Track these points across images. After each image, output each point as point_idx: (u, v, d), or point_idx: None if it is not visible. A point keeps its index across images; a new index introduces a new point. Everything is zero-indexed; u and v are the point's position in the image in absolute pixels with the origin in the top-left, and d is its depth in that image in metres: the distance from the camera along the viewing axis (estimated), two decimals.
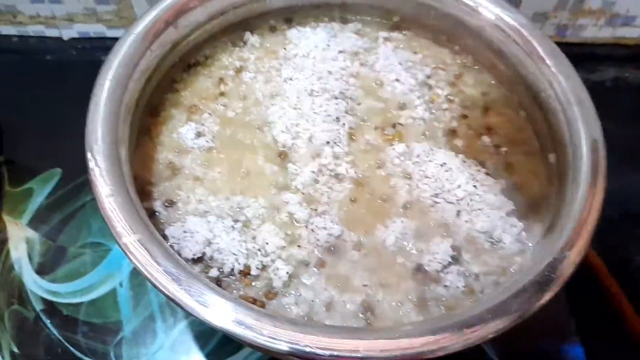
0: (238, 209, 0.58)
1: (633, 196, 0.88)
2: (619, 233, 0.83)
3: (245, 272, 0.55)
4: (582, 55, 1.08)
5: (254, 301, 0.53)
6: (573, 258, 0.48)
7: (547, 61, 0.61)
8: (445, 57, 0.73)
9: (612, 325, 0.73)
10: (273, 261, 0.55)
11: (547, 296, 0.46)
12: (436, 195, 0.59)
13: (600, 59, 1.06)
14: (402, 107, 0.67)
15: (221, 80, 0.69)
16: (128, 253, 0.46)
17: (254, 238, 0.57)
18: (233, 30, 0.73)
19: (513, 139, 0.66)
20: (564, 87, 0.60)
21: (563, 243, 0.49)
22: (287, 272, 0.54)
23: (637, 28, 1.04)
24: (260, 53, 0.72)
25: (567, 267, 0.47)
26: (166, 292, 0.45)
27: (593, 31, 1.05)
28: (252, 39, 0.73)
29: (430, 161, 0.61)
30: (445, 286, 0.54)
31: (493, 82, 0.70)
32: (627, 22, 1.03)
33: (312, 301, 0.53)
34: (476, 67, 0.72)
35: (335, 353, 0.42)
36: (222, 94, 0.68)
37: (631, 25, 1.04)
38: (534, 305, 0.46)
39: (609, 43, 1.07)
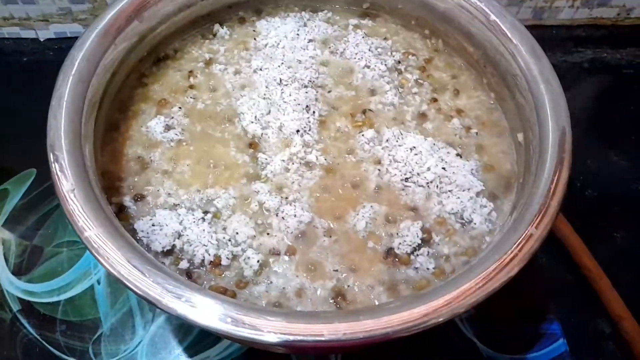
0: (208, 201, 0.58)
1: (612, 176, 0.88)
2: (599, 212, 0.83)
3: (216, 263, 0.54)
4: (559, 37, 1.07)
5: (225, 291, 0.52)
6: (539, 234, 0.47)
7: (515, 42, 0.61)
8: (416, 42, 0.73)
9: (590, 303, 0.73)
10: (244, 251, 0.55)
11: (513, 272, 0.45)
12: (406, 179, 0.59)
13: (577, 40, 1.05)
14: (372, 93, 0.67)
15: (191, 73, 0.68)
16: (90, 247, 0.46)
17: (224, 229, 0.56)
18: (202, 23, 0.73)
19: (484, 120, 0.65)
20: (531, 67, 0.59)
21: (529, 220, 0.49)
22: (258, 261, 0.54)
23: (614, 8, 1.04)
24: (229, 45, 0.72)
25: (533, 244, 0.47)
26: (129, 285, 0.44)
27: (569, 13, 1.04)
28: (222, 30, 0.72)
29: (399, 145, 0.61)
30: (416, 268, 0.54)
31: (462, 64, 0.70)
32: (604, 2, 1.02)
33: (283, 288, 0.53)
34: (446, 51, 0.71)
35: (300, 338, 0.42)
36: (191, 86, 0.67)
37: (607, 5, 1.03)
38: (500, 281, 0.45)
39: (586, 24, 1.07)
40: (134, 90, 0.66)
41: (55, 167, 0.49)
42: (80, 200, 0.48)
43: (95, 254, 0.45)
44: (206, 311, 0.43)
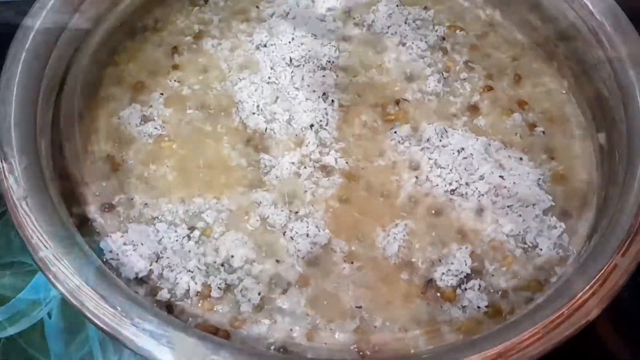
0: (195, 214, 0.58)
1: None
2: None
3: (205, 294, 0.54)
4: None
5: (216, 331, 0.52)
6: (626, 266, 0.47)
7: (598, 16, 0.61)
8: (465, 12, 0.73)
9: None
10: (240, 280, 0.55)
11: (592, 316, 0.45)
12: (452, 190, 0.59)
13: None
14: (409, 78, 0.67)
15: (175, 49, 0.69)
16: (46, 271, 0.46)
17: (215, 250, 0.56)
18: None
19: (553, 115, 0.65)
20: (618, 48, 0.59)
21: (614, 246, 0.49)
22: (259, 293, 0.54)
23: None
24: (225, 13, 0.73)
25: (619, 278, 0.47)
26: (95, 321, 0.45)
27: None
28: None
29: (444, 146, 0.61)
30: (463, 307, 0.54)
31: (526, 43, 0.69)
32: None
33: (291, 330, 0.53)
34: (505, 25, 0.71)
35: None
36: (175, 66, 0.68)
37: None
38: (574, 327, 0.45)
39: None
40: (102, 70, 0.67)
41: (3, 167, 0.50)
42: (34, 211, 0.48)
43: (53, 279, 0.46)
44: (189, 356, 0.44)
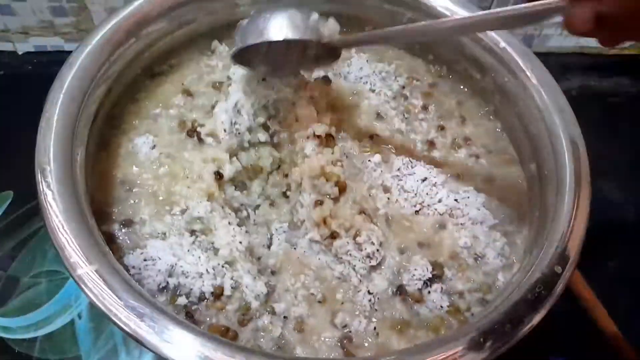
0: (192, 219, 0.54)
1: (603, 203, 0.87)
2: (592, 240, 0.82)
3: (217, 294, 0.50)
4: (548, 65, 1.07)
5: (227, 331, 0.48)
6: (565, 273, 0.45)
7: (526, 70, 0.59)
8: (419, 67, 0.71)
9: (593, 335, 0.71)
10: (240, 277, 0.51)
11: (540, 315, 0.43)
12: (416, 211, 0.56)
13: (566, 68, 1.06)
14: (379, 118, 0.64)
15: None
16: (84, 287, 0.41)
17: (214, 251, 0.52)
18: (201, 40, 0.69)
19: (491, 149, 0.63)
20: (543, 95, 0.58)
21: (552, 257, 0.46)
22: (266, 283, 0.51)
23: None
24: (227, 61, 0.68)
25: (559, 282, 0.44)
26: (128, 330, 0.40)
27: (558, 40, 1.05)
28: (220, 47, 0.69)
29: (410, 175, 0.58)
30: (429, 308, 0.51)
31: (468, 90, 0.68)
32: None
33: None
34: (451, 77, 0.69)
35: None
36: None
37: None
38: (527, 325, 0.42)
39: (574, 52, 1.08)
40: (125, 107, 0.62)
41: (46, 196, 0.44)
42: (72, 233, 0.43)
43: (90, 295, 0.41)
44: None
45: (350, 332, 0.49)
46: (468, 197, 0.57)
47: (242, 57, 0.53)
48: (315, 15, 0.52)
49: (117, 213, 0.54)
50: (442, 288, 0.52)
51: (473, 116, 0.66)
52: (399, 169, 0.59)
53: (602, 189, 0.89)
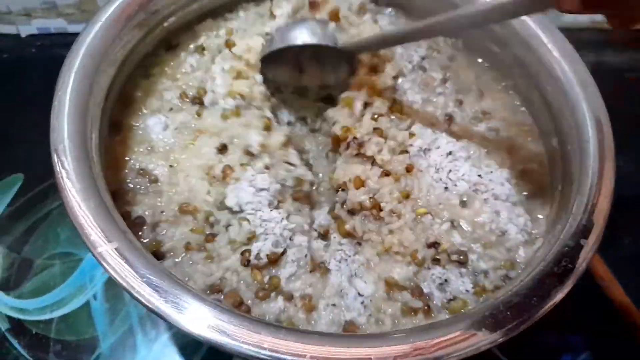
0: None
1: (619, 180, 0.87)
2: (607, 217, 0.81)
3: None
4: None
5: (240, 304, 0.48)
6: (590, 245, 0.45)
7: (547, 43, 0.58)
8: (438, 38, 0.69)
9: (609, 313, 0.71)
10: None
11: (566, 288, 0.43)
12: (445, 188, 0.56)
13: (580, 44, 1.04)
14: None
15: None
16: (105, 264, 0.41)
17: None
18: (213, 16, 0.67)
19: (511, 123, 0.62)
20: (565, 69, 0.57)
21: (576, 230, 0.46)
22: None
23: None
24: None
25: (586, 255, 0.44)
26: (150, 306, 0.40)
27: (572, 15, 1.03)
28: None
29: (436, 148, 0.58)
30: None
31: (487, 65, 0.67)
32: None
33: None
34: (468, 50, 0.68)
35: None
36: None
37: None
38: (553, 299, 0.42)
39: (589, 28, 1.06)
40: (138, 84, 0.61)
41: (62, 174, 0.44)
42: (91, 211, 0.43)
43: (111, 272, 0.41)
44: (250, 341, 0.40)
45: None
46: (491, 172, 0.56)
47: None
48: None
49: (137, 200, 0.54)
50: (462, 272, 0.51)
51: (491, 90, 0.65)
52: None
53: (618, 165, 0.88)
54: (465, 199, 0.55)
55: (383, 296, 0.49)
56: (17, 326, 0.63)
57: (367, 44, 0.58)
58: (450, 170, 0.56)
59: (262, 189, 0.53)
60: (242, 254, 0.50)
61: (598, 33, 1.06)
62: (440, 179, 0.55)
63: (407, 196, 0.54)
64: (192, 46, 0.64)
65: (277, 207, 0.53)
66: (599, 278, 0.74)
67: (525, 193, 0.57)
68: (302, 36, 0.58)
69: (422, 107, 0.62)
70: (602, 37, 1.06)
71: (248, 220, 0.51)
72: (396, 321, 0.48)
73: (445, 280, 0.50)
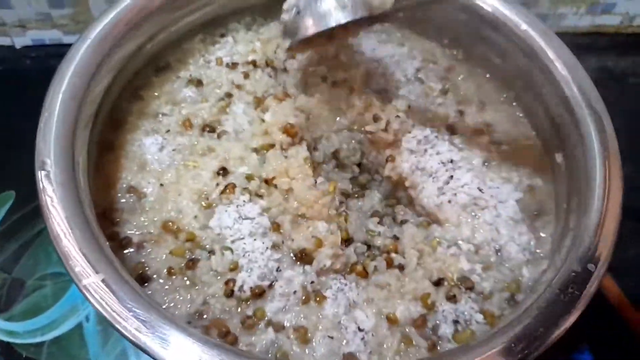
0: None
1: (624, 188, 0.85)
2: None
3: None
4: None
5: (227, 334, 0.46)
6: (598, 271, 0.42)
7: (549, 54, 0.56)
8: (434, 49, 0.67)
9: (619, 329, 0.69)
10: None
11: (573, 316, 0.41)
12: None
13: (581, 48, 1.02)
14: None
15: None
16: (90, 297, 0.39)
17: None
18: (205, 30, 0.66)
19: (513, 137, 0.60)
20: (570, 84, 0.55)
21: (583, 254, 0.44)
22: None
23: (617, 15, 1.01)
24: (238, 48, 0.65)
25: (593, 282, 0.42)
26: (137, 342, 0.38)
27: (573, 20, 1.01)
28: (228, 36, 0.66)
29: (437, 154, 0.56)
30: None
31: (486, 75, 0.64)
32: (607, 9, 0.99)
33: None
34: (467, 61, 0.66)
35: None
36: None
37: (611, 12, 1.00)
38: (560, 328, 0.40)
39: (590, 32, 1.04)
40: (130, 105, 0.60)
41: (47, 202, 0.42)
42: (77, 240, 0.41)
43: (95, 304, 0.39)
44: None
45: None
46: (494, 187, 0.54)
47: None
48: None
49: (125, 220, 0.52)
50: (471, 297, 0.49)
51: (493, 101, 0.63)
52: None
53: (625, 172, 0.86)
54: (463, 212, 0.53)
55: (385, 333, 0.47)
56: (7, 350, 0.61)
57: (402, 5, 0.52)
58: (451, 177, 0.54)
59: (246, 218, 0.51)
60: (226, 283, 0.48)
61: (600, 37, 1.04)
62: (440, 188, 0.53)
63: None
64: (182, 74, 0.63)
65: (262, 237, 0.51)
66: (605, 290, 0.72)
67: (527, 210, 0.54)
68: (336, 12, 0.50)
69: (423, 114, 0.60)
70: (604, 41, 1.04)
71: (231, 250, 0.49)
72: (400, 355, 0.45)
73: (457, 317, 0.47)
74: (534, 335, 0.40)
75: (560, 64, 0.55)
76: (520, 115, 0.62)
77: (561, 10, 0.98)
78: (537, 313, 0.41)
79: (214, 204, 0.52)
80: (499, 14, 0.59)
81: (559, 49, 0.57)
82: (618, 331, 0.69)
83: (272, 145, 0.55)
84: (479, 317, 0.47)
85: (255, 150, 0.56)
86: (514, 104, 0.62)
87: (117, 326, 0.38)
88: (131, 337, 0.38)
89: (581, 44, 1.03)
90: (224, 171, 0.54)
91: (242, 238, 0.50)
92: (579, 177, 0.51)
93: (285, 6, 0.54)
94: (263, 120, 0.57)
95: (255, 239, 0.50)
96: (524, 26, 0.57)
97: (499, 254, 0.52)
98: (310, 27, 0.51)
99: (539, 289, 0.44)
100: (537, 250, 0.52)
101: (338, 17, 0.50)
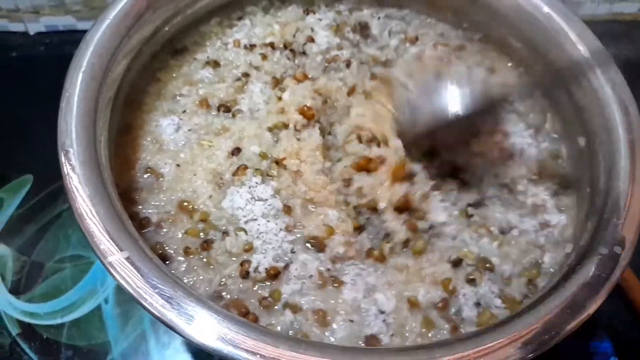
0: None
1: None
2: None
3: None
4: None
5: (246, 313, 0.46)
6: (625, 253, 0.42)
7: (573, 38, 0.55)
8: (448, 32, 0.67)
9: (636, 318, 0.68)
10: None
11: (600, 299, 0.40)
12: None
13: (599, 36, 1.01)
14: None
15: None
16: (115, 274, 0.39)
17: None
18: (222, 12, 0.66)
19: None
20: (595, 69, 0.53)
21: (610, 238, 0.43)
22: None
23: (636, 3, 1.00)
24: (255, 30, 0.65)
25: (620, 264, 0.41)
26: (162, 318, 0.38)
27: (591, 7, 1.00)
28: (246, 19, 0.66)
29: None
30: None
31: (510, 64, 0.64)
32: None
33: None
34: (486, 45, 0.65)
35: None
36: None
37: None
38: (587, 311, 0.40)
39: (607, 19, 1.03)
40: (148, 86, 0.59)
41: (71, 179, 0.42)
42: (100, 218, 0.41)
43: (122, 282, 0.39)
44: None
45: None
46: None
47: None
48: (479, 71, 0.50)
49: (145, 202, 0.52)
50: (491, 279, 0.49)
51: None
52: None
53: None
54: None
55: (406, 314, 0.46)
56: (28, 331, 0.61)
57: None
58: None
59: (259, 199, 0.51)
60: (241, 264, 0.48)
61: (617, 24, 1.02)
62: None
63: None
64: (199, 56, 0.62)
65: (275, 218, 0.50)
66: (623, 280, 0.71)
67: (548, 193, 0.54)
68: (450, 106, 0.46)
69: None
70: (622, 28, 1.03)
71: (245, 231, 0.49)
72: (421, 336, 0.45)
73: (478, 299, 0.47)
74: (560, 318, 0.39)
75: (584, 47, 0.54)
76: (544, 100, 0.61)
77: None
78: (563, 296, 0.40)
79: (227, 185, 0.52)
80: None
81: (582, 32, 0.56)
82: (635, 319, 0.68)
83: (286, 125, 0.55)
84: (498, 301, 0.47)
85: (269, 129, 0.56)
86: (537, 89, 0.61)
87: (143, 302, 0.38)
88: (157, 314, 0.38)
89: (599, 31, 1.02)
90: (237, 151, 0.54)
91: (256, 219, 0.50)
92: (603, 161, 0.50)
93: (393, 107, 0.53)
94: (280, 99, 0.57)
95: (268, 221, 0.50)
96: (546, 9, 0.57)
97: (520, 237, 0.51)
98: (426, 121, 0.49)
99: (563, 272, 0.44)
100: (560, 235, 0.52)
101: (455, 110, 0.47)
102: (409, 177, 0.52)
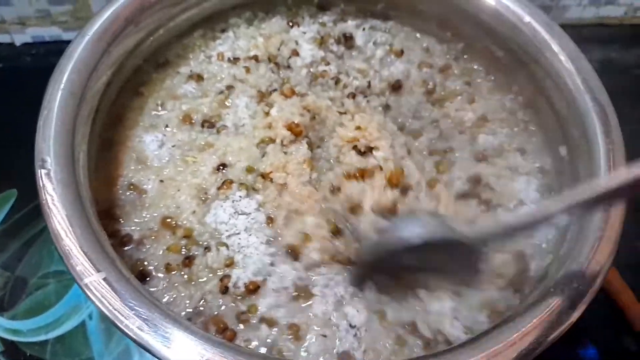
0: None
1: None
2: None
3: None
4: None
5: (225, 329, 0.46)
6: (603, 265, 0.42)
7: (554, 48, 0.55)
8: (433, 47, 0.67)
9: (621, 323, 0.69)
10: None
11: (578, 312, 0.40)
12: None
13: (585, 40, 1.01)
14: None
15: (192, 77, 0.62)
16: (91, 296, 0.39)
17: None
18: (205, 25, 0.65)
19: (513, 129, 0.60)
20: (575, 78, 0.54)
21: (588, 248, 0.43)
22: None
23: (621, 6, 1.00)
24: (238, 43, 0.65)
25: (598, 276, 0.41)
26: (140, 341, 0.38)
27: (577, 11, 1.00)
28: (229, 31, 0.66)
29: None
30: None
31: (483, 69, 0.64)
32: (611, 0, 0.98)
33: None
34: (466, 56, 0.65)
35: None
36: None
37: (615, 3, 0.99)
38: (565, 323, 0.40)
39: (593, 24, 1.03)
40: (130, 101, 0.59)
41: (47, 200, 0.42)
42: (77, 239, 0.41)
43: (97, 303, 0.39)
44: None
45: None
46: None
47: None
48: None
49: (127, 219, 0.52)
50: None
51: (492, 96, 0.63)
52: None
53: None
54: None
55: (378, 328, 0.46)
56: (11, 348, 0.61)
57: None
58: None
59: (242, 213, 0.50)
60: (222, 279, 0.48)
61: (604, 28, 1.03)
62: None
63: None
64: (183, 70, 0.62)
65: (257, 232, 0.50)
66: (609, 284, 0.71)
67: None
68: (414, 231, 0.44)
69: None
70: (608, 32, 1.03)
71: (226, 245, 0.49)
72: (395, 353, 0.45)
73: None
74: (538, 330, 0.39)
75: (564, 56, 0.55)
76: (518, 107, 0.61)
77: (565, 1, 0.97)
78: (541, 308, 0.40)
79: (211, 199, 0.52)
80: (501, 6, 0.58)
81: (562, 41, 0.56)
82: (620, 325, 0.68)
83: (273, 140, 0.55)
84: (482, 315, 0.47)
85: (256, 143, 0.56)
86: (513, 97, 0.62)
87: (119, 325, 0.38)
88: (133, 336, 0.38)
89: (586, 35, 1.02)
90: (223, 166, 0.54)
91: (238, 233, 0.50)
92: (583, 170, 0.50)
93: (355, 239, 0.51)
94: (267, 114, 0.57)
95: (250, 234, 0.50)
96: (527, 18, 0.57)
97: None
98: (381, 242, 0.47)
99: (543, 284, 0.44)
100: (542, 244, 0.52)
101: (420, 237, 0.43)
102: (403, 189, 0.52)
